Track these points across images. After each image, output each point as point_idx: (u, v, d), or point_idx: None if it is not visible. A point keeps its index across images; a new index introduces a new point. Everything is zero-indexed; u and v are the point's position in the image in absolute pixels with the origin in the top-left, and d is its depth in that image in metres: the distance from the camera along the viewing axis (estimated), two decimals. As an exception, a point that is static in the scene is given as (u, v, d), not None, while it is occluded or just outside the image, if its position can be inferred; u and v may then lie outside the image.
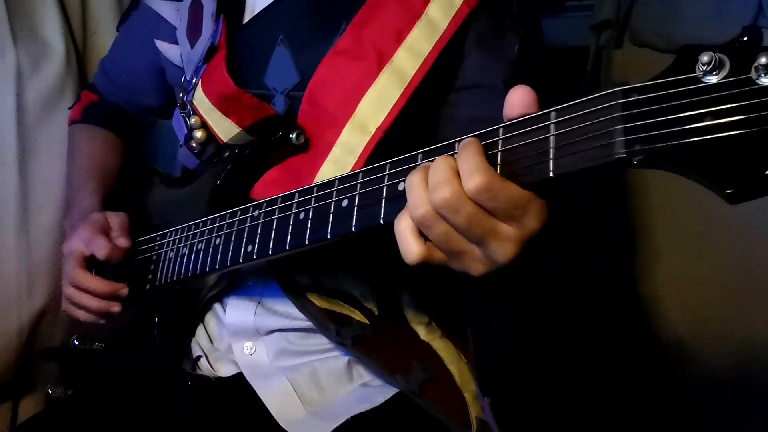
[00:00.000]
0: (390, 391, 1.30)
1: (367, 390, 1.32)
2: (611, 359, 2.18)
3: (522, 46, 1.28)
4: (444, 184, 0.75)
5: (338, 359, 1.34)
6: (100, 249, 1.35)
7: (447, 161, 0.77)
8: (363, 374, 1.35)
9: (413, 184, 0.79)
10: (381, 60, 1.23)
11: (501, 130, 0.77)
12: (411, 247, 0.81)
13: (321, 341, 1.33)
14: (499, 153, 0.76)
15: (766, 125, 0.57)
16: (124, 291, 1.38)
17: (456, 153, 0.78)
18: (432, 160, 0.80)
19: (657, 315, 2.05)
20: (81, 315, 1.42)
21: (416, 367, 1.29)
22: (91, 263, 1.39)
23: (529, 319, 2.16)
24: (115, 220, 1.43)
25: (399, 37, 1.23)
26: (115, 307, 1.39)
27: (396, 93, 1.22)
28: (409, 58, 1.23)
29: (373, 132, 1.21)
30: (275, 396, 1.30)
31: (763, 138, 0.57)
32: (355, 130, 1.22)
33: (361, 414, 1.26)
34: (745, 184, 0.58)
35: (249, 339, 1.36)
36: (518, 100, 0.77)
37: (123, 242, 1.38)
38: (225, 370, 1.39)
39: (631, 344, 2.13)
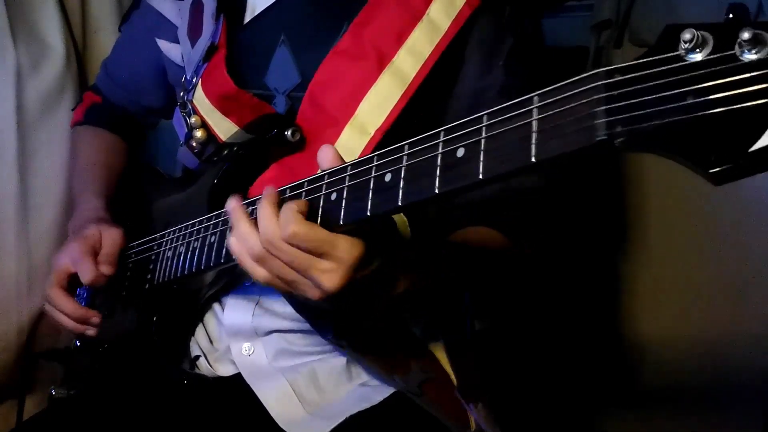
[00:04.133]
0: (388, 390, 1.30)
1: (365, 389, 1.32)
2: (596, 359, 2.19)
3: (508, 59, 1.28)
4: (270, 231, 0.93)
5: (337, 359, 1.33)
6: (85, 274, 1.35)
7: (273, 209, 0.95)
8: (362, 374, 1.34)
9: (245, 232, 0.98)
10: (382, 61, 1.23)
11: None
12: (257, 274, 0.99)
13: (320, 342, 1.32)
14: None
15: (749, 102, 0.56)
16: (95, 320, 1.38)
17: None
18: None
19: (654, 314, 2.05)
20: (60, 328, 1.44)
21: (414, 367, 1.28)
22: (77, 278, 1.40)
23: (510, 323, 2.16)
24: (108, 239, 1.41)
25: (400, 38, 1.24)
26: (90, 332, 1.39)
27: (396, 94, 1.22)
28: (410, 59, 1.23)
29: (372, 133, 1.21)
30: (274, 396, 1.30)
31: (747, 115, 0.56)
32: (355, 132, 1.22)
33: (359, 413, 1.26)
34: (728, 164, 0.56)
35: (247, 340, 1.35)
36: (327, 159, 0.96)
37: (106, 270, 1.36)
38: (225, 370, 1.39)
39: (616, 343, 2.14)
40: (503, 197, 1.28)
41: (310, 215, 0.94)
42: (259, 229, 0.95)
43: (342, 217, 0.91)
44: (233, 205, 1.01)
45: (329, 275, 0.91)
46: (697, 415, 1.96)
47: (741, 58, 0.57)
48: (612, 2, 2.09)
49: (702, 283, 1.94)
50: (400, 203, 0.83)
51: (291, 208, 0.92)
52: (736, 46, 0.57)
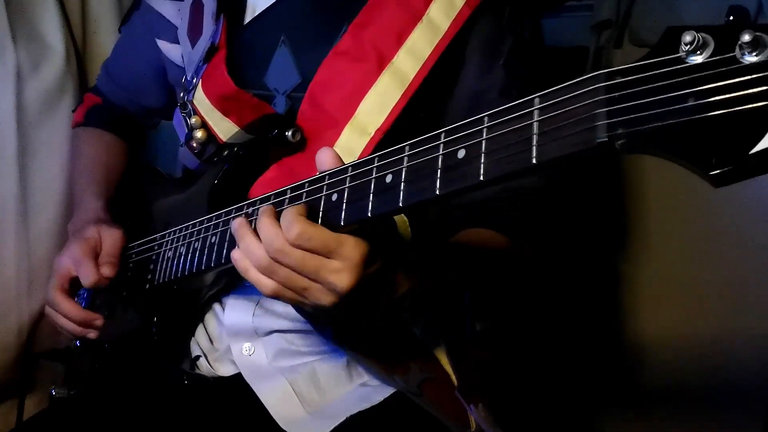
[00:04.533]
0: (388, 390, 1.30)
1: (365, 389, 1.32)
2: (596, 359, 2.19)
3: (508, 59, 1.28)
4: (274, 238, 0.93)
5: (337, 360, 1.33)
6: (86, 277, 1.35)
7: (272, 219, 0.96)
8: (362, 374, 1.34)
9: (250, 244, 0.98)
10: (381, 61, 1.23)
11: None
12: (264, 285, 0.98)
13: (320, 341, 1.32)
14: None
15: (750, 104, 0.56)
16: (98, 322, 1.39)
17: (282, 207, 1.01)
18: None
19: (654, 314, 2.06)
20: (61, 331, 1.44)
21: (414, 367, 1.28)
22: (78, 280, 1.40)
23: (511, 322, 2.16)
24: (108, 240, 1.41)
25: (399, 39, 1.24)
26: (92, 334, 1.40)
27: (396, 94, 1.22)
28: (410, 59, 1.23)
29: (372, 134, 1.22)
30: (274, 396, 1.30)
31: (748, 117, 0.56)
32: (355, 132, 1.22)
33: (360, 413, 1.25)
34: (729, 166, 0.56)
35: (248, 340, 1.35)
36: (327, 162, 0.96)
37: (107, 271, 1.36)
38: (225, 370, 1.39)
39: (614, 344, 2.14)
40: (503, 197, 1.29)
41: (311, 216, 0.94)
42: (263, 240, 0.95)
43: (343, 218, 0.91)
44: (238, 222, 1.01)
45: (340, 275, 0.91)
46: (697, 415, 1.97)
47: (741, 61, 0.57)
48: (612, 2, 2.09)
49: (702, 283, 1.94)
50: (401, 204, 0.83)
51: (291, 212, 0.93)
52: (737, 49, 0.57)
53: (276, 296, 0.98)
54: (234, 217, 1.11)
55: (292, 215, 0.92)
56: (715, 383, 1.90)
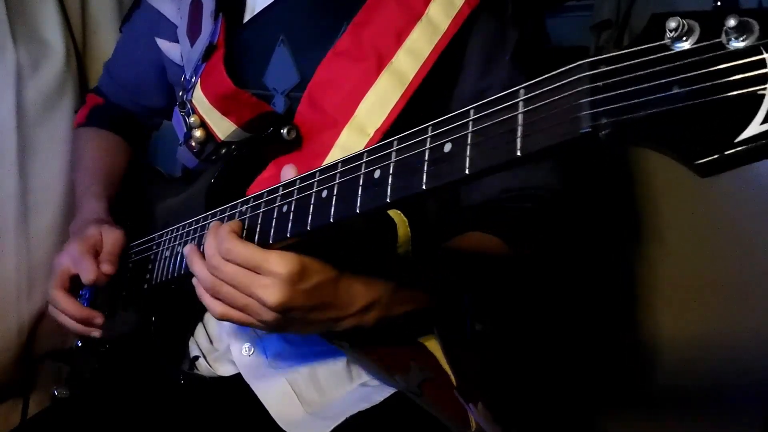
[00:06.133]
0: (388, 390, 1.29)
1: (366, 390, 1.31)
2: (596, 360, 2.18)
3: (514, 55, 1.28)
4: (211, 254, 1.02)
5: (337, 360, 1.32)
6: (86, 273, 1.34)
7: (213, 235, 1.04)
8: (362, 374, 1.33)
9: (199, 270, 1.06)
10: (381, 61, 1.23)
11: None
12: (213, 307, 1.06)
13: (320, 342, 1.31)
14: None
15: (736, 90, 0.54)
16: (99, 320, 1.37)
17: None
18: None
19: (653, 314, 2.05)
20: (66, 329, 1.43)
21: (413, 367, 1.27)
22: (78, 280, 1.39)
23: (513, 322, 2.15)
24: (109, 239, 1.40)
25: (399, 38, 1.23)
26: (94, 333, 1.39)
27: (395, 95, 1.22)
28: (409, 59, 1.22)
29: (371, 134, 1.21)
30: (274, 397, 1.29)
31: (734, 104, 0.54)
32: (354, 132, 1.22)
33: (359, 413, 1.25)
34: (715, 154, 0.55)
35: (247, 340, 1.35)
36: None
37: (107, 269, 1.35)
38: (224, 370, 1.38)
39: (622, 343, 2.13)
40: (506, 197, 1.28)
41: (302, 212, 0.94)
42: (205, 256, 1.04)
43: (332, 214, 0.90)
44: (187, 250, 1.10)
45: (267, 290, 0.97)
46: (697, 415, 1.96)
47: (727, 47, 0.55)
48: (612, 2, 2.09)
49: (702, 284, 1.93)
50: (388, 200, 0.83)
51: (225, 229, 1.02)
52: (723, 34, 0.56)
53: (225, 318, 1.05)
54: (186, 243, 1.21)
55: (223, 232, 1.02)
56: (715, 383, 1.89)
